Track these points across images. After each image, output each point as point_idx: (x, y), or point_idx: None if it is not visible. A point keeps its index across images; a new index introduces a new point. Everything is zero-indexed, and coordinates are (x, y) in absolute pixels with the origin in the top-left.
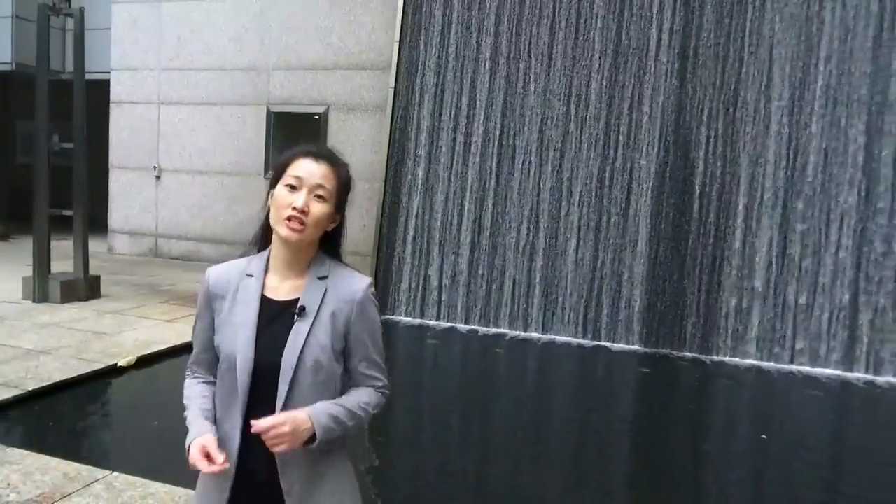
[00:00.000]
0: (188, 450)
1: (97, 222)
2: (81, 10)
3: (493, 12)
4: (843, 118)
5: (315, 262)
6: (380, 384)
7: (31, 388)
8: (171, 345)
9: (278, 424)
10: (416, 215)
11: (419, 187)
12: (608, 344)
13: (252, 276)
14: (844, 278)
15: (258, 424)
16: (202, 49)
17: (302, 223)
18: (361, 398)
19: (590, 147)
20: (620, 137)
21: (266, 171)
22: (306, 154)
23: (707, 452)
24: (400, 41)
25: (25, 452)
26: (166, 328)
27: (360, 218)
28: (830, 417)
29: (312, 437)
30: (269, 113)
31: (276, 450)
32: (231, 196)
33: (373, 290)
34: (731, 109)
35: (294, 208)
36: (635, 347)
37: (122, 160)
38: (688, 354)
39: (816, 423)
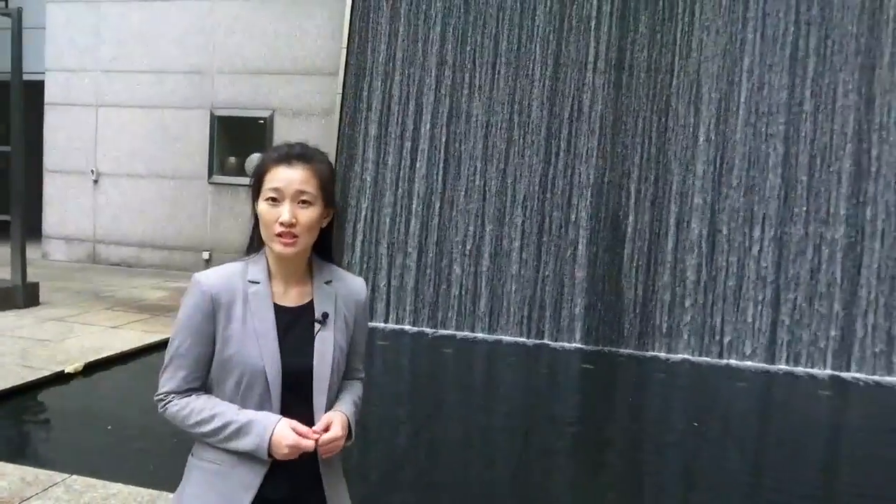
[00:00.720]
0: (269, 441)
1: (30, 227)
2: (19, 10)
3: (438, 23)
4: (763, 128)
5: (316, 266)
6: (362, 375)
7: None
8: (119, 351)
9: (337, 437)
10: (365, 219)
11: (367, 191)
12: (552, 343)
13: (258, 282)
14: (766, 278)
15: (309, 444)
16: (143, 51)
17: (294, 236)
18: (357, 392)
19: (532, 154)
20: (561, 144)
21: (210, 175)
22: (278, 161)
23: (643, 438)
24: (347, 48)
25: None
26: (112, 335)
27: None
28: (754, 405)
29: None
30: (213, 117)
31: (327, 455)
32: (173, 200)
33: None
34: (663, 119)
35: (282, 223)
36: (577, 345)
37: (58, 164)
38: (626, 351)
39: (742, 410)
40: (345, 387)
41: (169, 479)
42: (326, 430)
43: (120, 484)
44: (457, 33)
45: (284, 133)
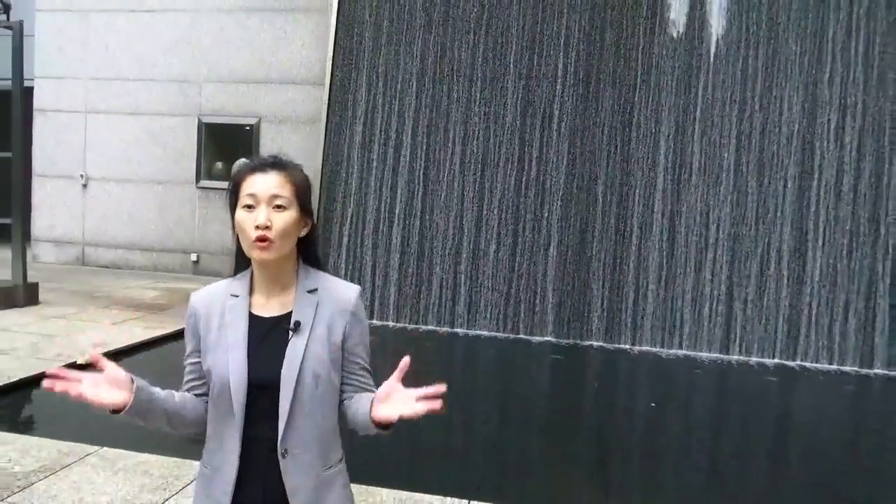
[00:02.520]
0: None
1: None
2: (20, 23)
3: (419, 38)
4: (717, 138)
5: (301, 275)
6: (372, 388)
7: None
8: (125, 345)
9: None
10: (350, 222)
11: (352, 196)
12: (526, 336)
13: (237, 296)
14: (721, 275)
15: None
16: (131, 60)
17: (268, 239)
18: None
19: (507, 161)
20: (533, 152)
21: (198, 180)
22: (252, 169)
23: (607, 419)
24: (333, 60)
25: (16, 435)
26: (115, 330)
27: None
28: (707, 389)
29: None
30: (200, 123)
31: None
32: (161, 204)
33: (362, 296)
34: (626, 129)
35: (257, 227)
36: (549, 339)
37: (46, 168)
38: (594, 343)
39: (697, 394)
40: (357, 399)
41: (188, 452)
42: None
43: (147, 454)
44: (436, 48)
45: (270, 139)
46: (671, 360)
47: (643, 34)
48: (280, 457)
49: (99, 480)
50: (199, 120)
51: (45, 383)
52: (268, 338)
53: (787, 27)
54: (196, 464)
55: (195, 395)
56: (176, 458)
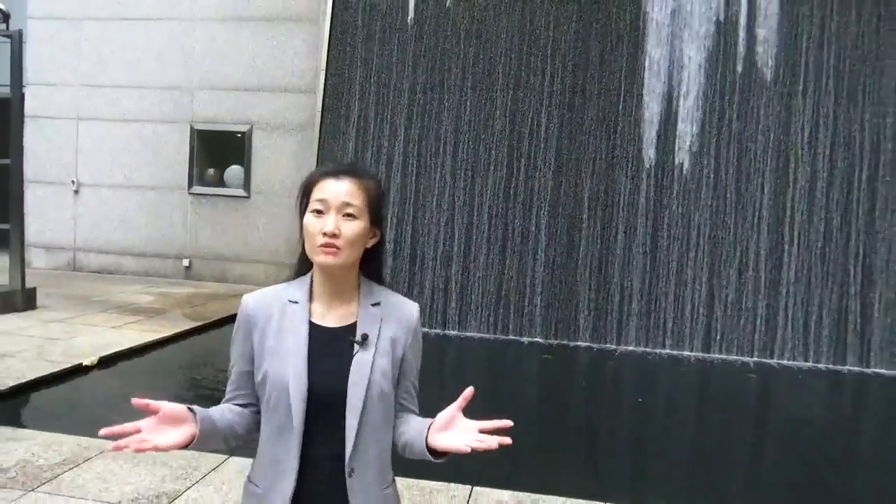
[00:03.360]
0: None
1: (6, 236)
2: (20, 32)
3: (410, 48)
4: (697, 145)
5: (364, 289)
6: (417, 410)
7: (11, 385)
8: (127, 347)
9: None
10: None
11: None
12: (515, 337)
13: (296, 302)
14: (702, 276)
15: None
16: (123, 67)
17: (336, 247)
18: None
19: (496, 167)
20: (522, 159)
21: (190, 185)
22: (325, 174)
23: (594, 412)
24: (326, 69)
25: (36, 431)
26: (116, 333)
27: (284, 231)
28: (690, 385)
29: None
30: (192, 130)
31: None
32: (153, 210)
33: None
34: (611, 136)
35: (325, 234)
36: (538, 339)
37: (38, 174)
38: (582, 343)
39: (679, 390)
40: (406, 421)
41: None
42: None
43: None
44: (427, 58)
45: (263, 146)
46: (655, 358)
47: (626, 45)
48: (347, 475)
49: (121, 472)
50: (192, 127)
51: (115, 445)
52: (329, 348)
53: (764, 39)
54: (211, 456)
55: (239, 405)
56: (191, 451)
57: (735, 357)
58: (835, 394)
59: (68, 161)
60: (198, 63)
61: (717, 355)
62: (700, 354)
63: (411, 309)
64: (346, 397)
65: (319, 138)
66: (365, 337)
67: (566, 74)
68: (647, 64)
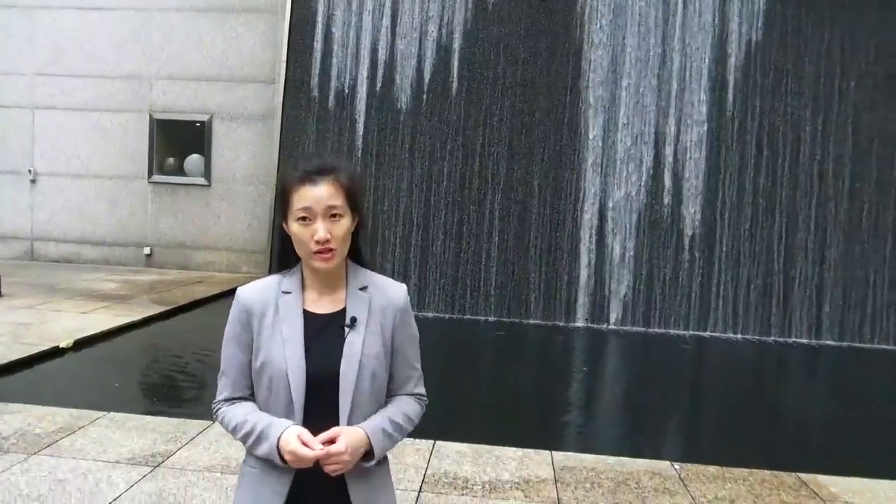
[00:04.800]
0: (277, 446)
1: None
2: None
3: (367, 41)
4: (638, 136)
5: (351, 273)
6: (420, 392)
7: None
8: (100, 331)
9: (339, 452)
10: None
11: None
12: (471, 316)
13: (290, 292)
14: (643, 257)
15: (312, 455)
16: (80, 56)
17: (331, 250)
18: (406, 409)
19: (452, 156)
20: (476, 148)
21: (150, 174)
22: (301, 180)
23: (543, 379)
24: (287, 59)
25: (27, 405)
26: (86, 318)
27: (245, 218)
28: (632, 357)
29: (369, 453)
30: (151, 120)
31: (331, 471)
32: (112, 199)
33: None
34: (560, 127)
35: (318, 241)
36: (492, 318)
37: None
38: (533, 321)
39: (620, 360)
40: (391, 401)
41: (187, 412)
42: (332, 442)
43: (151, 416)
44: (385, 51)
45: (223, 136)
46: (601, 334)
47: (574, 41)
48: None
49: (115, 437)
50: (151, 116)
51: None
52: (323, 333)
53: (698, 39)
54: (196, 422)
55: (238, 396)
56: (178, 419)
57: (672, 330)
58: (759, 361)
59: (24, 150)
60: (156, 52)
61: (656, 329)
62: (641, 329)
63: (398, 290)
64: (339, 379)
65: (282, 128)
66: (354, 320)
67: (517, 67)
68: (593, 58)
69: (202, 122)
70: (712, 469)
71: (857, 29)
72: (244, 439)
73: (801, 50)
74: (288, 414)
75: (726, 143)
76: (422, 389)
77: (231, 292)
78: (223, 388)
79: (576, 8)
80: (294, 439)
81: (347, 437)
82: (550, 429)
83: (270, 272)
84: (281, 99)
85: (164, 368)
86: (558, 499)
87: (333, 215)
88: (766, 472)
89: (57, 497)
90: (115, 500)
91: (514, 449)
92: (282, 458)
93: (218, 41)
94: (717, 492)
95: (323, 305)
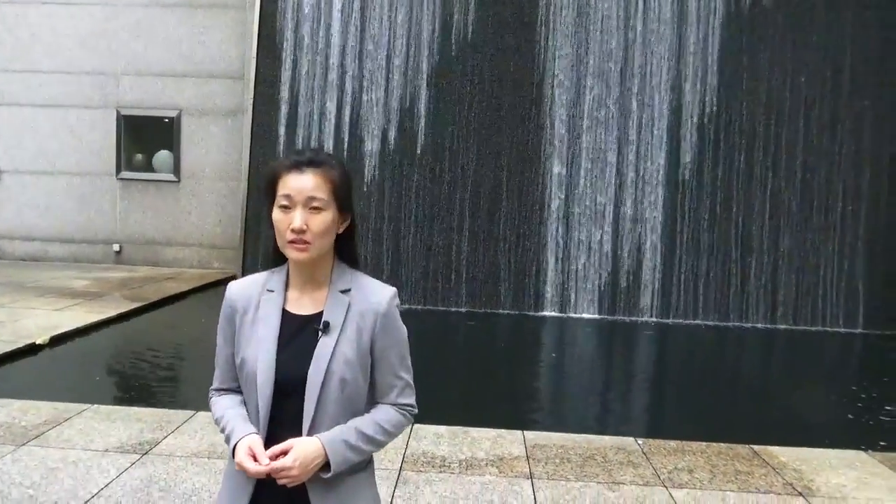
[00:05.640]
0: (233, 451)
1: None
2: None
3: (336, 40)
4: (602, 131)
5: (336, 274)
6: (403, 402)
7: None
8: (74, 327)
9: (284, 468)
10: None
11: None
12: (443, 308)
13: (273, 290)
14: (606, 248)
15: (258, 469)
16: (44, 52)
17: (305, 242)
18: (380, 419)
19: (423, 152)
20: (446, 143)
21: (118, 171)
22: (289, 168)
23: (514, 366)
24: (257, 57)
25: (10, 400)
26: (60, 315)
27: (215, 214)
28: (598, 343)
29: (326, 466)
30: (119, 116)
31: (282, 484)
32: (80, 196)
33: (397, 301)
34: (526, 122)
35: (293, 230)
36: (463, 309)
37: None
38: (502, 311)
39: (587, 347)
40: (370, 410)
41: (170, 403)
42: (285, 453)
43: (135, 407)
44: (354, 48)
45: (192, 132)
46: (567, 322)
47: (538, 39)
48: None
49: (101, 428)
50: (118, 112)
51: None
52: (298, 336)
53: (658, 38)
54: (180, 412)
55: (227, 388)
56: (162, 409)
57: (637, 318)
58: (718, 345)
59: None
60: (122, 48)
61: (621, 317)
62: (607, 317)
63: (381, 295)
64: (305, 382)
65: (253, 123)
66: (326, 325)
67: (485, 64)
68: (558, 56)
69: (171, 118)
70: (673, 443)
71: (808, 26)
72: (222, 433)
73: (756, 46)
74: (257, 414)
75: (685, 138)
76: (407, 399)
77: (203, 288)
78: (215, 378)
79: (539, 5)
80: (243, 451)
81: (297, 451)
82: (522, 411)
83: (243, 268)
84: (251, 95)
85: (142, 363)
86: (530, 473)
87: (314, 207)
88: (723, 444)
89: (50, 484)
90: (107, 485)
91: (487, 430)
92: None
93: (185, 37)
94: (677, 463)
95: (303, 306)
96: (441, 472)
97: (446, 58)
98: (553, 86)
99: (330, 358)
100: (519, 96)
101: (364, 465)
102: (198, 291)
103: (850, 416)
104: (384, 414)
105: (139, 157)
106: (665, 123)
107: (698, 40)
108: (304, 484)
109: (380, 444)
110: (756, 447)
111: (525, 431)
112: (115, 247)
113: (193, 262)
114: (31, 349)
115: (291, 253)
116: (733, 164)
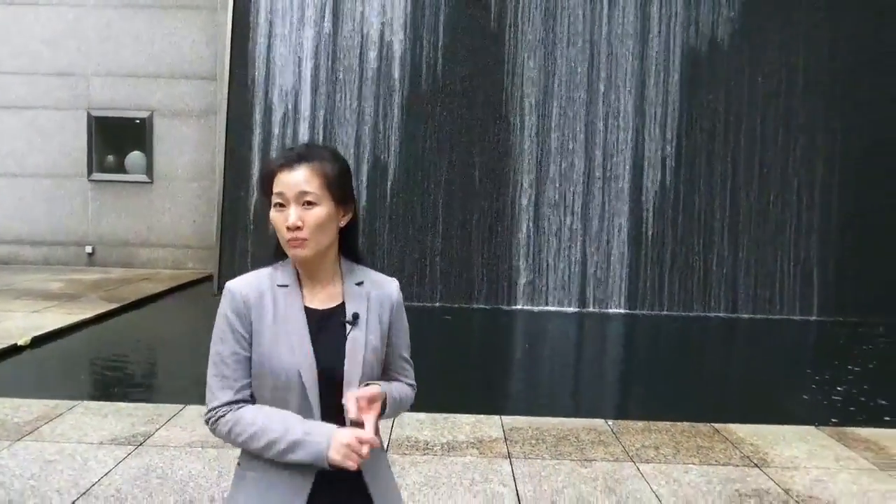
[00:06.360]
0: (327, 450)
1: None
2: None
3: (310, 38)
4: (570, 131)
5: (345, 269)
6: (410, 381)
7: None
8: (55, 328)
9: (377, 394)
10: (255, 210)
11: (254, 185)
12: (419, 304)
13: (287, 286)
14: (576, 243)
15: (373, 442)
16: (10, 52)
17: (302, 238)
18: (403, 392)
19: (398, 150)
20: (419, 144)
21: (90, 172)
22: (281, 166)
23: (490, 357)
24: (230, 57)
25: (2, 398)
26: (39, 317)
27: (189, 215)
28: (570, 335)
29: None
30: (89, 117)
31: (359, 416)
32: (51, 198)
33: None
34: (498, 122)
35: (288, 227)
36: (438, 304)
37: None
38: (476, 305)
39: (560, 338)
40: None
41: (159, 398)
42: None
43: (124, 402)
44: (328, 48)
45: (164, 132)
46: (539, 315)
47: (507, 45)
48: None
49: (93, 422)
50: (89, 113)
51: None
52: (325, 330)
53: (622, 41)
54: (170, 406)
55: (240, 399)
56: (152, 404)
57: (606, 310)
58: (682, 333)
59: None
60: (92, 49)
61: (591, 309)
62: (577, 309)
63: (391, 286)
64: (342, 377)
65: (228, 124)
66: (356, 316)
67: (456, 63)
68: (527, 56)
69: (142, 119)
70: (640, 423)
71: (765, 25)
72: (267, 447)
73: (716, 45)
74: (301, 413)
75: (649, 136)
76: (413, 379)
77: (180, 288)
78: (221, 391)
79: (507, 12)
80: (354, 440)
81: (377, 390)
82: (499, 398)
83: (220, 268)
84: (225, 95)
85: (127, 361)
86: (508, 453)
87: (307, 202)
88: (686, 423)
89: (50, 475)
90: (106, 474)
91: (467, 416)
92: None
93: (156, 37)
94: (644, 441)
95: (320, 300)
96: (425, 454)
97: (419, 57)
98: (522, 85)
99: (364, 350)
100: (489, 95)
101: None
102: (175, 291)
103: (804, 396)
104: (403, 388)
105: (111, 158)
106: (630, 122)
107: (661, 42)
108: (357, 473)
109: (399, 411)
110: (717, 425)
111: (502, 416)
112: (88, 249)
113: (168, 262)
114: (13, 350)
115: (291, 251)
116: (695, 161)
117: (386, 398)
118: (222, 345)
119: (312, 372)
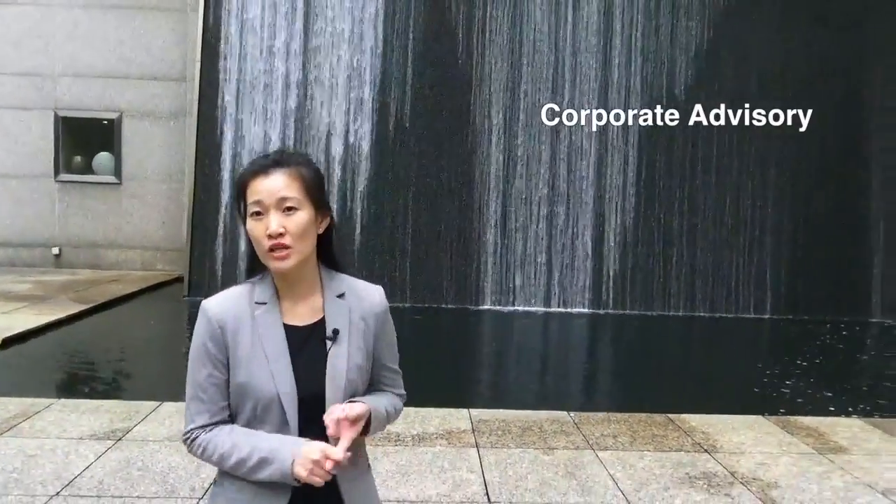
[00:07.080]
0: (293, 464)
1: None
2: None
3: (282, 40)
4: (535, 133)
5: (326, 278)
6: (399, 391)
7: None
8: (26, 329)
9: (361, 414)
10: (225, 211)
11: (225, 189)
12: (389, 304)
13: (265, 303)
14: (542, 246)
15: (340, 459)
16: None
17: (286, 247)
18: (392, 403)
19: (370, 156)
20: (389, 146)
21: (56, 173)
22: (254, 173)
23: (459, 354)
24: (201, 59)
25: None
26: (7, 318)
27: (158, 216)
28: (535, 334)
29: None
30: (57, 117)
31: (337, 434)
32: (16, 199)
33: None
34: (465, 124)
35: (270, 235)
36: (408, 304)
37: None
38: (445, 305)
39: (525, 336)
40: (376, 394)
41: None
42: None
43: (101, 400)
44: (300, 52)
45: (133, 134)
46: (506, 314)
47: (475, 45)
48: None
49: (72, 419)
50: (56, 114)
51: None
52: (304, 348)
53: (584, 45)
54: (146, 402)
55: (217, 421)
56: (129, 401)
57: (571, 309)
58: (643, 331)
59: None
60: (59, 49)
61: (557, 309)
62: (542, 308)
63: (376, 294)
64: (323, 397)
65: (198, 126)
66: (336, 332)
67: (425, 69)
68: (493, 61)
69: (111, 120)
70: (600, 415)
71: (721, 37)
72: (237, 466)
73: (676, 56)
74: (282, 434)
75: (612, 141)
76: (402, 389)
77: (149, 290)
78: (197, 414)
79: (475, 10)
80: (320, 454)
81: (361, 406)
82: (467, 393)
83: (190, 270)
84: (196, 97)
85: (100, 361)
86: (476, 443)
87: (288, 208)
88: (643, 414)
89: (33, 469)
90: (87, 467)
91: (437, 409)
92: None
93: (125, 38)
94: (603, 431)
95: (300, 316)
96: (396, 445)
97: (389, 62)
98: (490, 91)
99: (346, 369)
100: (457, 100)
101: (368, 465)
102: (145, 293)
103: (755, 389)
104: (392, 399)
105: (78, 159)
106: (594, 127)
107: (623, 49)
108: (334, 488)
109: (388, 423)
110: (671, 415)
111: (471, 409)
112: (55, 250)
113: (136, 264)
114: None
115: (273, 263)
116: (656, 165)
117: (371, 415)
118: (198, 369)
119: (292, 395)
